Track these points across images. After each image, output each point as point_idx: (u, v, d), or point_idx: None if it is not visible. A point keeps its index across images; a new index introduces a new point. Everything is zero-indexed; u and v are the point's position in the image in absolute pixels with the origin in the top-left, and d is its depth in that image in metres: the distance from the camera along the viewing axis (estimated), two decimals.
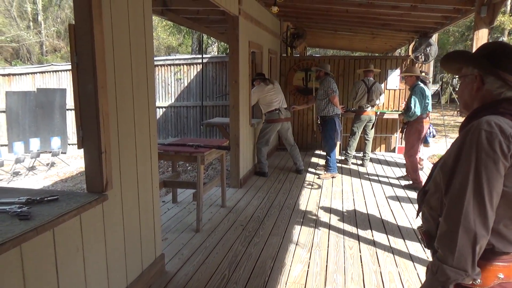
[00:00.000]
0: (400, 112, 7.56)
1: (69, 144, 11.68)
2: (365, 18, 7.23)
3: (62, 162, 10.52)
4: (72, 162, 10.64)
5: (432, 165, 1.58)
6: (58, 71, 11.65)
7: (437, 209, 1.33)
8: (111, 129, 2.33)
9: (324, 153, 6.19)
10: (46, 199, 2.03)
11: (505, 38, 17.26)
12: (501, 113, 1.23)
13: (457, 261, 1.14)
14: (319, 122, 6.10)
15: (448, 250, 1.15)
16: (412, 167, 5.50)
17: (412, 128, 5.37)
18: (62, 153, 11.19)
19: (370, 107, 6.74)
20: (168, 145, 4.19)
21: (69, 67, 9.94)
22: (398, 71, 8.09)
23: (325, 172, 6.16)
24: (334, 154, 6.04)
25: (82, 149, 2.27)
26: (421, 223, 1.49)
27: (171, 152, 3.94)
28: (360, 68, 7.49)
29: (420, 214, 1.51)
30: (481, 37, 4.74)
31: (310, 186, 5.65)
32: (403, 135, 5.60)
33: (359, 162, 7.11)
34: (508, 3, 16.22)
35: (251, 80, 6.20)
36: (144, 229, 2.83)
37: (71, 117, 11.31)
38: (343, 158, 7.20)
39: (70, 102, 11.34)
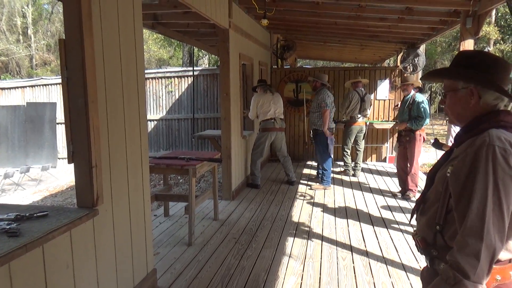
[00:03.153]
0: (393, 122, 7.64)
1: (59, 159, 11.56)
2: (353, 30, 7.34)
3: (52, 177, 10.39)
4: (62, 176, 10.51)
5: (426, 174, 1.56)
6: (48, 84, 11.58)
7: (435, 218, 1.36)
8: (101, 143, 2.32)
9: (316, 164, 6.21)
10: (35, 215, 1.99)
11: (490, 48, 17.61)
12: (502, 126, 1.26)
13: (477, 276, 1.15)
14: (311, 135, 6.09)
15: (471, 265, 1.16)
16: (416, 175, 5.48)
17: (418, 137, 5.32)
18: (52, 167, 11.06)
19: (362, 117, 6.82)
20: (159, 158, 4.17)
21: (59, 80, 9.89)
22: (387, 81, 8.19)
23: (318, 183, 6.15)
24: (329, 167, 6.03)
25: (73, 164, 2.25)
26: (416, 230, 1.51)
27: (162, 165, 3.92)
28: (350, 79, 7.56)
29: (415, 221, 1.53)
30: (467, 47, 4.84)
31: (302, 198, 5.64)
32: (407, 145, 5.37)
33: (351, 172, 7.13)
34: (493, 14, 16.60)
35: (253, 87, 6.31)
36: (135, 244, 2.79)
37: (61, 131, 11.21)
38: (342, 169, 7.21)
39: (60, 116, 11.26)
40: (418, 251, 1.49)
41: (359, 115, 6.76)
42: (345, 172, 7.06)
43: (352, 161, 7.09)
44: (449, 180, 1.28)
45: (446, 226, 1.34)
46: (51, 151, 11.38)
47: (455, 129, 4.55)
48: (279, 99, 6.19)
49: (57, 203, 7.67)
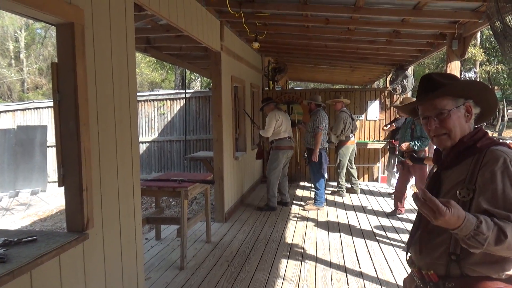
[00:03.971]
0: (383, 142, 7.72)
1: (49, 182, 11.40)
2: (343, 52, 7.49)
3: (41, 201, 10.22)
4: (51, 200, 10.34)
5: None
6: (39, 108, 11.55)
7: (448, 248, 1.32)
8: (93, 165, 2.30)
9: (311, 185, 6.21)
10: (23, 240, 1.96)
11: (477, 69, 18.04)
12: (498, 143, 1.34)
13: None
14: (305, 155, 6.10)
15: None
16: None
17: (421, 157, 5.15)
18: (41, 191, 10.88)
19: (353, 136, 6.92)
20: (151, 180, 4.14)
21: (51, 103, 9.87)
22: (377, 102, 8.32)
23: (312, 204, 6.13)
24: (323, 188, 6.04)
25: (63, 187, 2.22)
26: (417, 263, 1.45)
27: (154, 188, 3.89)
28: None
29: (414, 252, 1.46)
30: (454, 68, 4.96)
31: (296, 219, 5.61)
32: (411, 166, 5.16)
33: (344, 193, 7.12)
34: (478, 36, 17.08)
35: (262, 106, 6.37)
36: (126, 269, 2.74)
37: (52, 154, 11.10)
38: (336, 190, 7.20)
39: (51, 139, 11.17)
40: (424, 286, 1.42)
41: (351, 134, 6.86)
42: (338, 193, 7.05)
43: (346, 181, 7.11)
44: (479, 205, 1.24)
45: (464, 254, 1.28)
46: (41, 175, 11.23)
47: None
48: (288, 117, 6.28)
49: (47, 228, 7.52)
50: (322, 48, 7.17)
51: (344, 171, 6.99)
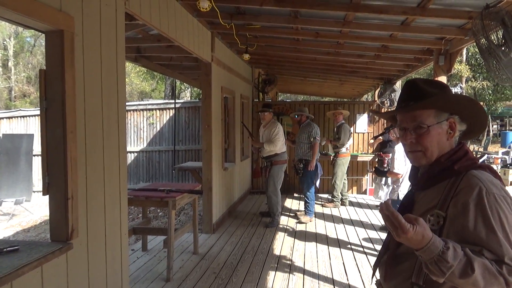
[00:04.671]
0: (372, 155, 7.79)
1: (34, 192, 11.18)
2: (333, 66, 7.58)
3: (25, 211, 10.01)
4: (36, 210, 10.14)
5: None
6: (26, 116, 11.39)
7: (410, 276, 1.22)
8: (79, 174, 2.27)
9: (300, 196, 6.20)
10: (5, 249, 1.91)
11: (463, 85, 18.42)
12: (479, 167, 1.20)
13: None
14: (301, 166, 6.01)
15: None
16: None
17: None
18: (26, 201, 10.67)
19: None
20: (138, 190, 4.10)
21: (38, 112, 9.73)
22: (366, 115, 8.41)
23: (304, 215, 6.09)
24: (314, 199, 6.07)
25: (47, 196, 2.18)
26: (381, 283, 1.38)
27: (141, 198, 3.84)
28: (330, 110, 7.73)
29: (380, 275, 1.38)
30: None
31: (284, 230, 5.59)
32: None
33: (339, 204, 7.13)
34: (464, 53, 17.48)
35: (259, 111, 6.17)
36: (111, 280, 2.68)
37: (37, 163, 10.92)
38: (330, 200, 7.22)
39: (37, 148, 11.00)
40: None
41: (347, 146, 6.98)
42: (334, 204, 7.08)
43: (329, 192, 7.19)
44: (449, 237, 1.12)
45: (428, 285, 1.18)
46: (26, 184, 11.01)
47: (398, 155, 4.54)
48: None
49: (30, 238, 7.35)
50: (312, 61, 7.25)
51: (341, 183, 7.03)
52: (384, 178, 5.18)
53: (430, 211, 1.20)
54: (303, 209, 6.19)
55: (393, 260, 1.29)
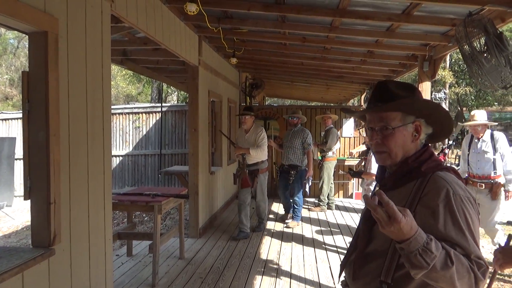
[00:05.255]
0: (358, 159, 7.87)
1: (15, 196, 10.93)
2: (319, 70, 7.64)
3: (6, 216, 9.77)
4: (17, 216, 9.91)
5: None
6: (8, 119, 11.16)
7: (378, 275, 1.23)
8: (62, 178, 2.23)
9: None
10: None
11: (447, 91, 18.77)
12: (445, 168, 1.25)
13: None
14: (292, 172, 5.87)
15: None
16: None
17: None
18: (7, 206, 10.42)
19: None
20: (123, 194, 4.04)
21: (21, 115, 9.54)
22: (352, 120, 8.48)
23: (292, 220, 6.05)
24: (302, 204, 6.07)
25: (29, 200, 2.13)
26: (348, 283, 1.39)
27: (126, 202, 3.79)
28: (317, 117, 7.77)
29: (348, 275, 1.39)
30: (425, 89, 5.13)
31: (271, 234, 5.58)
32: None
33: (326, 208, 7.16)
34: (447, 59, 17.82)
35: (240, 114, 5.64)
36: (94, 287, 2.63)
37: (19, 167, 10.68)
38: (316, 206, 7.24)
39: (19, 151, 10.77)
40: None
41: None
42: (320, 208, 7.11)
43: (315, 196, 7.23)
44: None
45: (395, 285, 1.20)
46: (7, 189, 10.76)
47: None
48: None
49: (11, 244, 7.17)
50: (298, 65, 7.29)
51: (328, 187, 7.06)
52: (365, 180, 5.22)
53: None
54: (287, 214, 6.18)
55: (361, 259, 1.30)
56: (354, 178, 8.34)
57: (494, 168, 4.07)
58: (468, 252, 1.10)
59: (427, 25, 4.06)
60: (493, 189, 4.05)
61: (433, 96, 17.29)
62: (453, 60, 18.98)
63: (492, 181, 4.07)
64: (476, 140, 4.25)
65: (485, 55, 3.02)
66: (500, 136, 4.14)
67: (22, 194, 2.13)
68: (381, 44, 5.12)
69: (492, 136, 4.15)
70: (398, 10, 3.85)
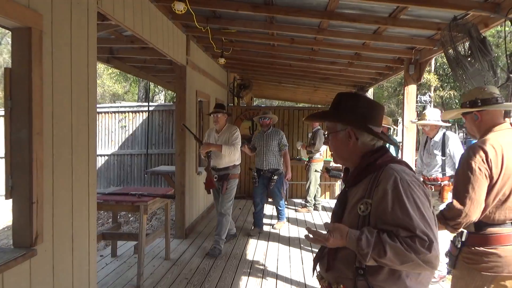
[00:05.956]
0: None
1: None
2: (307, 72, 7.68)
3: None
4: None
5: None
6: None
7: (353, 262, 1.35)
8: (45, 177, 2.19)
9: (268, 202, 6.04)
10: None
11: (431, 94, 19.08)
12: (396, 161, 1.41)
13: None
14: (275, 177, 5.55)
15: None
16: None
17: None
18: None
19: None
20: (108, 194, 3.99)
21: (2, 112, 9.35)
22: None
23: (278, 221, 6.04)
24: (284, 205, 6.00)
25: (11, 200, 2.09)
26: (325, 278, 1.48)
27: (111, 202, 3.74)
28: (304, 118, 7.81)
29: (323, 266, 1.49)
30: (411, 92, 5.21)
31: (257, 235, 5.57)
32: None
33: (312, 208, 7.19)
34: (433, 63, 18.12)
35: (212, 112, 4.89)
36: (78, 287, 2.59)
37: (1, 166, 10.46)
38: (303, 206, 7.26)
39: (1, 150, 10.54)
40: None
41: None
42: (307, 209, 7.14)
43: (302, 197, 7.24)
44: (374, 220, 1.33)
45: (371, 270, 1.32)
46: None
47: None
48: None
49: None
50: (286, 66, 7.31)
51: (314, 188, 7.09)
52: None
53: (360, 201, 1.39)
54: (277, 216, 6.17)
55: (334, 250, 1.42)
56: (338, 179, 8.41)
57: (443, 170, 3.82)
58: (413, 228, 1.24)
59: (413, 28, 4.12)
60: (441, 192, 3.82)
61: (418, 99, 17.56)
62: (438, 64, 19.32)
63: (440, 183, 3.83)
64: (429, 141, 4.00)
65: (469, 59, 3.08)
66: (451, 136, 3.85)
67: (3, 193, 2.09)
68: (368, 47, 5.17)
69: (443, 136, 3.87)
70: (385, 13, 3.90)
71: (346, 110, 1.47)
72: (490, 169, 1.86)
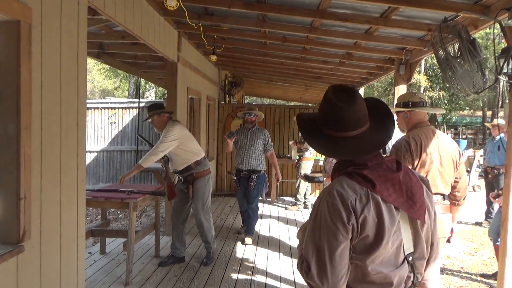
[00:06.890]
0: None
1: None
2: (298, 71, 7.69)
3: None
4: None
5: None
6: None
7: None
8: (33, 173, 2.16)
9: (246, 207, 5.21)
10: None
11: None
12: (349, 173, 1.28)
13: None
14: (254, 177, 5.08)
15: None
16: None
17: None
18: None
19: None
20: (97, 190, 3.96)
21: None
22: None
23: (246, 234, 5.20)
24: (258, 216, 5.36)
25: None
26: None
27: (100, 199, 3.72)
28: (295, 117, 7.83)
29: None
30: (401, 92, 5.24)
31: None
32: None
33: (302, 206, 7.22)
34: (422, 64, 18.29)
35: (146, 118, 4.19)
36: (65, 285, 2.57)
37: None
38: (293, 204, 7.29)
39: None
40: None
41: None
42: (297, 207, 7.18)
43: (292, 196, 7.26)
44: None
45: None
46: None
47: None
48: None
49: None
50: (278, 65, 7.31)
51: (304, 186, 7.12)
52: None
53: None
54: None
55: None
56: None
57: None
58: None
59: (404, 29, 4.15)
60: None
61: None
62: (427, 65, 19.50)
63: None
64: None
65: (458, 60, 3.11)
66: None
67: None
68: (359, 47, 5.20)
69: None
70: (377, 13, 3.92)
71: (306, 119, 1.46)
72: (412, 154, 2.47)
